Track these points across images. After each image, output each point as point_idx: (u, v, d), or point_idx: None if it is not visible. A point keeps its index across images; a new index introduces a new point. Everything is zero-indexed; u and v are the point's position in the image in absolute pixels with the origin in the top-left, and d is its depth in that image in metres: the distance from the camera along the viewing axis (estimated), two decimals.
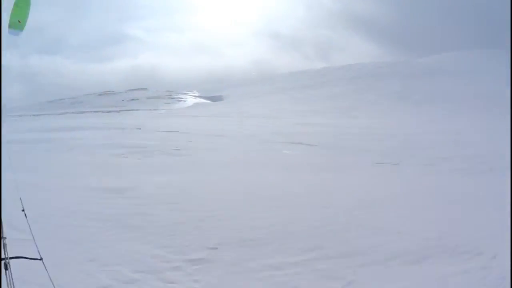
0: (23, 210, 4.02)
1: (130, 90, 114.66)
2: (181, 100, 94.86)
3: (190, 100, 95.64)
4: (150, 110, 73.07)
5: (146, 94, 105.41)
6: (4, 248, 3.49)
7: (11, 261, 3.51)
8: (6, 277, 3.46)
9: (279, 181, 12.61)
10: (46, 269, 4.03)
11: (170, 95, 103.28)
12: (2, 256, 3.48)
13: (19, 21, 4.15)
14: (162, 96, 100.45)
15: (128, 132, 29.84)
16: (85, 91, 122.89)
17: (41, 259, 3.98)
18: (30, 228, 4.07)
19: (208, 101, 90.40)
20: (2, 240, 3.50)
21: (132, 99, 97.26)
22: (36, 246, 4.10)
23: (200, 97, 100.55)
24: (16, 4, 4.11)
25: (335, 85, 76.93)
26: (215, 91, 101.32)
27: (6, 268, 3.45)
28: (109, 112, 69.79)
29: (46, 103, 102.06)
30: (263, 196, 10.65)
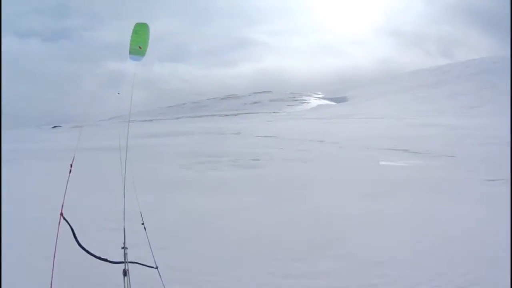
0: (142, 224, 4.24)
1: (253, 93, 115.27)
2: (304, 102, 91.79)
3: (313, 101, 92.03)
4: (271, 113, 70.86)
5: (270, 97, 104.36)
6: (125, 256, 3.86)
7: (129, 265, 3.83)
8: (124, 282, 3.76)
9: (354, 212, 8.21)
10: (161, 278, 4.21)
11: (294, 97, 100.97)
12: (124, 264, 3.83)
13: (140, 47, 4.55)
14: (285, 99, 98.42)
15: (224, 137, 27.04)
16: (209, 95, 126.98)
17: (156, 267, 4.15)
18: (148, 239, 4.18)
19: (332, 103, 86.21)
20: (124, 250, 3.89)
21: (255, 102, 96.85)
22: (153, 255, 4.19)
23: (324, 98, 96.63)
24: (135, 32, 4.56)
25: (456, 83, 72.43)
26: (339, 92, 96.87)
27: (125, 274, 3.79)
28: (226, 115, 68.97)
29: (166, 108, 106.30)
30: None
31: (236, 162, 15.47)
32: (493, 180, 10.97)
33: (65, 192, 3.75)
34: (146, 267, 4.23)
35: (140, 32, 4.57)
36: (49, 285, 3.61)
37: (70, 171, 4.04)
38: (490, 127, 25.84)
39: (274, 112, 71.00)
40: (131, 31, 4.56)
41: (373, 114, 49.94)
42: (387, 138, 21.77)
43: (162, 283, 4.31)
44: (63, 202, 3.73)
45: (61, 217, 3.69)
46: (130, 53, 4.53)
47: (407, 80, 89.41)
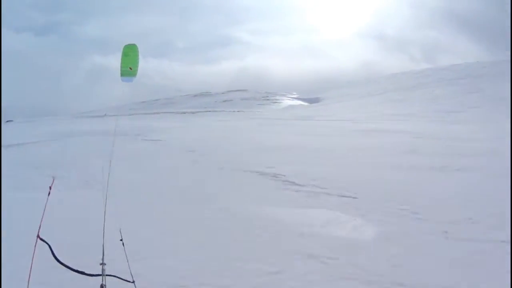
0: (121, 240, 4.30)
1: (228, 91, 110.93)
2: (276, 102, 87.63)
3: (286, 102, 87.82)
4: (234, 112, 66.56)
5: (243, 95, 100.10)
6: (103, 271, 3.87)
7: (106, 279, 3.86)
8: None
9: None
10: None
11: (267, 96, 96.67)
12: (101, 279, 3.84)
13: (130, 68, 4.75)
14: (257, 98, 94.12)
15: (109, 140, 22.50)
16: (188, 92, 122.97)
17: (133, 281, 4.17)
18: (125, 253, 4.24)
19: (305, 103, 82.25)
20: (102, 265, 3.92)
21: (225, 101, 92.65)
22: (130, 269, 4.21)
23: (298, 98, 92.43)
24: (125, 54, 4.76)
25: (437, 86, 66.98)
26: (315, 93, 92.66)
27: None
28: (186, 113, 64.62)
29: (140, 103, 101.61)
30: None
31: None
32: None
33: (43, 214, 3.72)
34: (124, 281, 4.20)
35: (130, 53, 4.78)
36: None
37: (49, 193, 4.02)
38: (464, 134, 21.27)
39: (238, 111, 66.80)
40: (121, 53, 4.76)
41: (338, 116, 46.43)
42: (299, 148, 17.09)
43: None
44: (41, 223, 3.66)
45: (38, 239, 3.64)
46: (122, 75, 4.74)
47: (386, 82, 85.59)
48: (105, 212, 3.98)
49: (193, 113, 63.62)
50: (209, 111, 70.00)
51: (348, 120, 39.24)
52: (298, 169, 12.65)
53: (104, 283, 3.82)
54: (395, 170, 12.34)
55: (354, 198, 9.64)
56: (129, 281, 4.13)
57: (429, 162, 13.21)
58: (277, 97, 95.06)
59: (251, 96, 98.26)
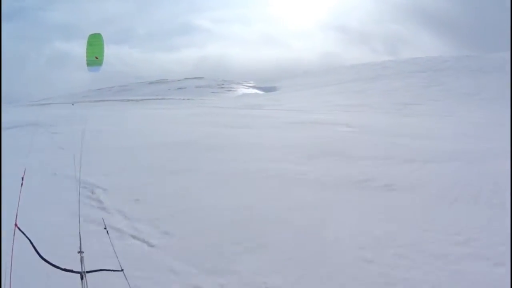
0: (105, 228, 4.22)
1: (184, 79, 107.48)
2: (231, 90, 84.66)
3: (241, 90, 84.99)
4: (183, 100, 63.18)
5: (198, 83, 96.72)
6: (81, 260, 3.58)
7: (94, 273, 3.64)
8: (82, 286, 3.49)
9: None
10: (127, 280, 4.02)
11: (222, 85, 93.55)
12: (81, 269, 3.54)
13: (96, 57, 4.76)
14: (212, 86, 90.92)
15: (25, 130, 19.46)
16: (146, 79, 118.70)
17: (121, 270, 3.94)
18: (111, 242, 4.34)
19: (261, 92, 79.73)
20: (80, 254, 3.63)
21: (180, 88, 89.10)
22: (117, 257, 4.05)
23: (254, 87, 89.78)
24: (90, 44, 4.77)
25: (396, 78, 64.73)
26: (272, 82, 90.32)
27: (82, 278, 3.48)
28: (130, 101, 60.94)
29: (95, 90, 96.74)
30: None
31: None
32: None
33: (18, 204, 3.69)
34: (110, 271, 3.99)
35: (95, 43, 4.75)
36: None
37: (22, 184, 4.03)
38: (416, 129, 18.56)
39: (187, 99, 63.42)
40: (85, 43, 4.71)
41: (288, 106, 44.12)
42: (196, 145, 13.79)
43: (129, 284, 4.07)
44: (17, 213, 3.61)
45: (16, 228, 3.56)
46: (88, 64, 4.77)
47: (345, 73, 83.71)
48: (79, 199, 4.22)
49: (137, 101, 59.86)
50: (159, 98, 66.63)
51: (295, 110, 36.90)
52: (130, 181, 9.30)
53: (83, 270, 3.45)
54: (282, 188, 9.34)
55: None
56: (117, 271, 3.89)
57: (344, 174, 9.78)
58: (233, 86, 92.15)
59: (207, 84, 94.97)
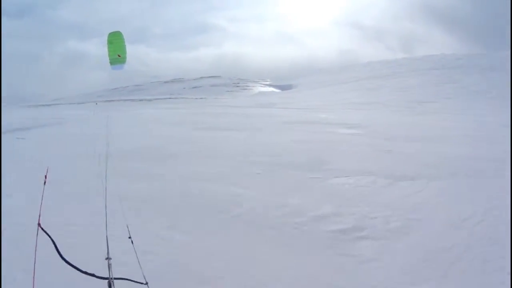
0: (129, 237, 3.96)
1: (200, 78, 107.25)
2: (246, 89, 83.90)
3: (257, 88, 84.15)
4: (196, 99, 62.80)
5: (214, 82, 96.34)
6: (109, 267, 3.36)
7: (116, 282, 3.33)
8: None
9: None
10: None
11: (238, 83, 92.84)
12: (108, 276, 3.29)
13: (119, 55, 4.72)
14: (228, 85, 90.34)
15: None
16: (164, 78, 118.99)
17: (146, 283, 3.53)
18: (135, 252, 3.92)
19: (277, 90, 78.77)
20: (108, 260, 3.44)
21: (195, 87, 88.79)
22: (141, 269, 3.62)
23: (270, 85, 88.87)
24: (110, 42, 4.69)
25: (411, 76, 63.98)
26: (288, 80, 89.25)
27: (110, 286, 3.19)
28: (142, 100, 60.71)
29: (110, 90, 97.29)
30: None
31: None
32: None
33: (41, 203, 3.57)
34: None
35: (115, 41, 4.72)
36: None
37: (45, 182, 3.89)
38: (429, 130, 17.12)
39: (200, 98, 63.02)
40: (105, 42, 4.62)
41: (300, 104, 43.09)
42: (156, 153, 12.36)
43: None
44: (40, 212, 3.39)
45: (39, 228, 3.39)
46: (111, 63, 4.70)
47: (360, 71, 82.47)
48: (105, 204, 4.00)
49: (150, 100, 59.58)
50: (171, 98, 66.35)
51: (306, 109, 35.86)
52: None
53: (111, 277, 3.18)
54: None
55: None
56: (141, 283, 3.49)
57: (293, 211, 6.25)
58: (249, 84, 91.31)
59: (222, 82, 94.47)
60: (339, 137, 14.79)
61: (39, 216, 3.38)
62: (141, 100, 61.93)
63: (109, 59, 4.69)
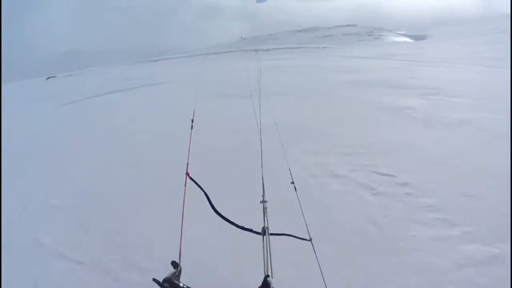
0: (292, 182, 3.90)
1: (336, 26, 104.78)
2: (379, 38, 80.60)
3: (390, 38, 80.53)
4: (320, 48, 62.64)
5: (347, 31, 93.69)
6: (264, 211, 3.21)
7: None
8: (263, 242, 2.86)
9: None
10: (315, 251, 3.25)
11: (371, 32, 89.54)
12: (264, 223, 3.03)
13: None
14: (361, 34, 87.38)
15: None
16: (299, 27, 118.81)
17: (310, 239, 3.33)
18: (300, 206, 3.71)
19: (411, 40, 74.55)
20: (263, 204, 3.30)
21: (326, 36, 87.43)
22: (306, 225, 3.40)
23: (404, 35, 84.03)
24: None
25: None
26: (423, 30, 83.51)
27: (264, 234, 2.89)
28: (259, 50, 62.17)
29: (241, 40, 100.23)
30: None
31: None
32: None
33: (188, 150, 3.54)
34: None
35: None
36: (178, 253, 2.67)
37: (192, 126, 3.92)
38: None
39: (323, 48, 62.31)
40: None
41: (427, 55, 40.81)
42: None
43: (316, 257, 3.28)
44: (188, 161, 3.47)
45: (188, 177, 3.34)
46: None
47: (501, 22, 73.93)
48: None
49: (268, 50, 60.88)
50: (291, 47, 66.74)
51: (423, 62, 34.29)
52: None
53: (266, 225, 3.05)
54: None
55: None
56: (305, 239, 3.52)
57: None
58: (383, 33, 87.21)
59: (356, 31, 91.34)
60: (389, 118, 12.88)
61: (187, 164, 3.41)
62: (257, 50, 63.77)
63: None
